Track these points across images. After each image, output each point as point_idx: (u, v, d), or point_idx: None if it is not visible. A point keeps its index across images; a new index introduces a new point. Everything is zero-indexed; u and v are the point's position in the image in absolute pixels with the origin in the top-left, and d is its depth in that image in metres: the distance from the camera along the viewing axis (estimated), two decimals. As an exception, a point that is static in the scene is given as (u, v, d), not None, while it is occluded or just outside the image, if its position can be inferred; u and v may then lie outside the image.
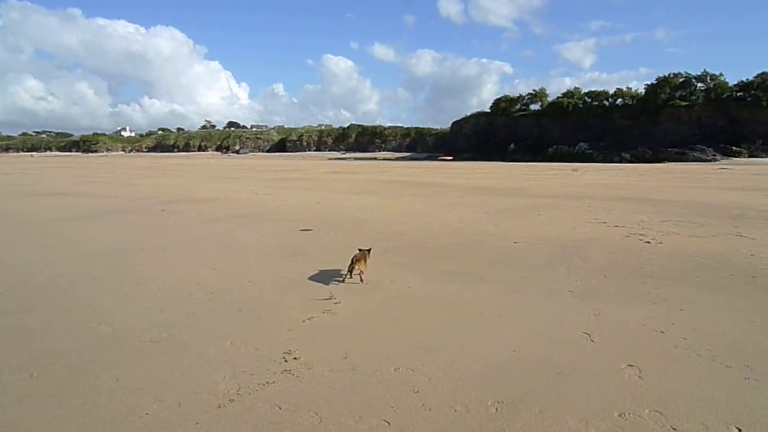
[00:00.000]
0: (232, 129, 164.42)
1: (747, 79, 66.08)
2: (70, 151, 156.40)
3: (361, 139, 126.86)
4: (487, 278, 7.10)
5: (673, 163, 53.91)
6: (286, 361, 4.40)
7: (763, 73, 64.92)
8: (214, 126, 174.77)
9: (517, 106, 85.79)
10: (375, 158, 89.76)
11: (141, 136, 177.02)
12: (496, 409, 3.60)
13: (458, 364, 4.33)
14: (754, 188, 21.05)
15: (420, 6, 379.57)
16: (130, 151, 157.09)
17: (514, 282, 6.91)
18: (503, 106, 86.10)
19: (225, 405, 3.68)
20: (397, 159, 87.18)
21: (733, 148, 59.02)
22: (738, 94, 65.71)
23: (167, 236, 10.55)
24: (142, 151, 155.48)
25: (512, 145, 77.11)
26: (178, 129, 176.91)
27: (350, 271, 6.96)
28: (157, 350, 4.69)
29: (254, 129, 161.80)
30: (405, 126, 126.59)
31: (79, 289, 6.67)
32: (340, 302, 6.01)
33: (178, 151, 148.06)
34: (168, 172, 41.24)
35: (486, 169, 44.30)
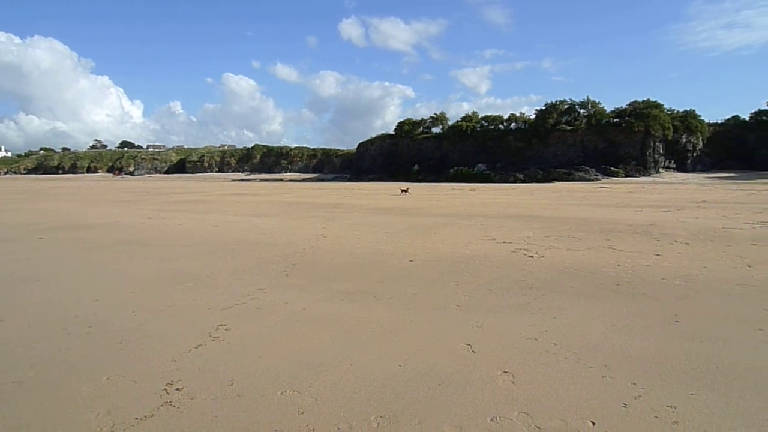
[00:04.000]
0: (126, 149, 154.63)
1: (621, 107, 73.37)
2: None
3: (267, 160, 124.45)
4: (381, 296, 7.28)
5: (561, 182, 58.29)
6: (167, 392, 4.25)
7: (635, 101, 72.53)
8: (105, 146, 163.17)
9: (420, 129, 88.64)
10: (281, 179, 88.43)
11: (19, 156, 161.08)
12: (378, 423, 3.72)
13: (345, 382, 4.42)
14: (625, 205, 23.33)
15: (321, 28, 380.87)
16: (6, 173, 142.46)
17: (407, 298, 7.15)
18: (407, 128, 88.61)
19: (96, 444, 3.48)
20: (303, 180, 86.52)
21: (612, 168, 64.92)
22: (614, 120, 72.50)
23: (44, 267, 9.72)
24: (21, 173, 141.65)
25: (416, 166, 79.51)
26: (64, 149, 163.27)
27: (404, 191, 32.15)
28: (21, 391, 4.33)
29: (150, 149, 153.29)
30: (311, 147, 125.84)
31: (-68, 329, 5.98)
32: (230, 329, 5.89)
33: (64, 172, 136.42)
34: (51, 196, 37.93)
35: (390, 189, 45.34)
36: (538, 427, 3.64)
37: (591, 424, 3.66)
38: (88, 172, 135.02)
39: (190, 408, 3.97)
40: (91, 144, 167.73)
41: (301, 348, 5.28)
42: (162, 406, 4.01)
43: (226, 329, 5.87)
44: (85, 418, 3.85)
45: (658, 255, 10.04)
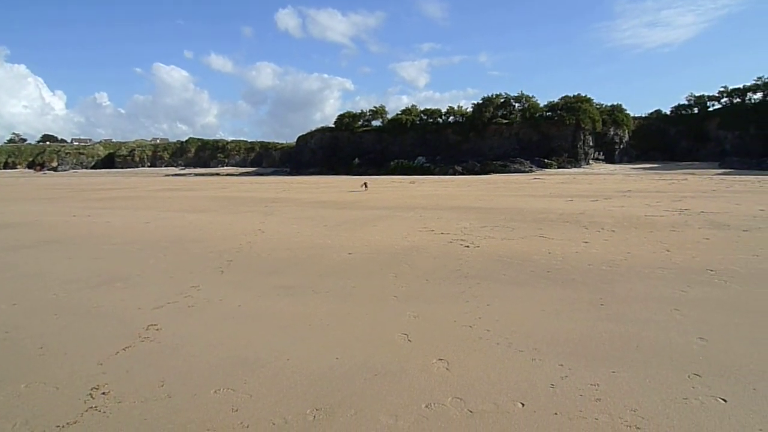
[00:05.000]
0: (48, 143, 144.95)
1: (554, 101, 76.32)
2: None
3: (202, 154, 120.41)
4: (320, 290, 7.24)
5: (497, 174, 59.95)
6: (92, 397, 4.05)
7: (566, 96, 75.73)
8: (24, 140, 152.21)
9: (360, 122, 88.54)
10: (218, 174, 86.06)
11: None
12: (314, 416, 3.71)
13: (281, 377, 4.37)
14: (557, 195, 24.34)
15: (257, 18, 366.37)
16: None
17: (345, 291, 7.15)
18: (347, 121, 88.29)
19: (11, 456, 3.27)
20: (241, 174, 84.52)
21: (546, 160, 67.52)
22: (547, 113, 75.38)
23: (-46, 270, 9.00)
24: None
25: (357, 160, 79.36)
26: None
27: (364, 185, 31.70)
28: (-74, 404, 3.99)
29: (75, 143, 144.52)
30: (249, 140, 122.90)
31: None
32: (161, 328, 5.68)
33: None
34: (-37, 195, 35.11)
35: (330, 182, 45.08)
36: (471, 411, 3.74)
37: (521, 406, 3.81)
38: (5, 168, 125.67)
39: (117, 412, 3.81)
40: (8, 138, 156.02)
41: (236, 345, 5.16)
42: (86, 411, 3.82)
43: (157, 329, 5.65)
44: (0, 429, 3.61)
45: (586, 242, 10.53)
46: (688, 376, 4.23)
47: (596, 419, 3.59)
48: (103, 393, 4.12)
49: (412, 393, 4.04)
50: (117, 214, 18.84)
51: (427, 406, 3.82)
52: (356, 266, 8.78)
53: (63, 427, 3.61)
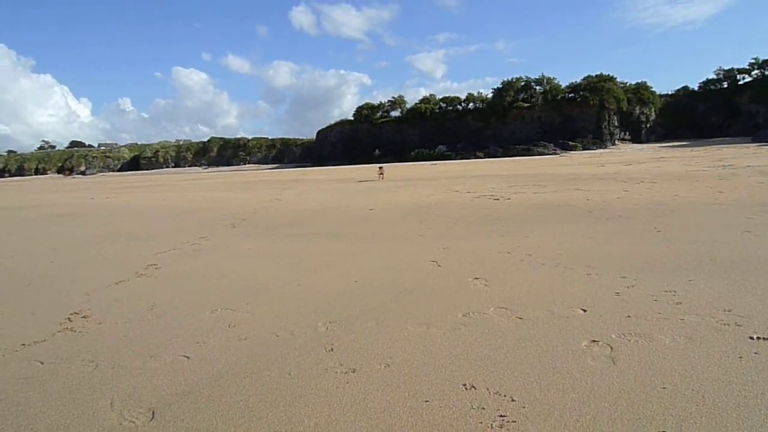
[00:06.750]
0: (76, 149, 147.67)
1: (575, 82, 74.22)
2: None
3: (224, 153, 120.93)
4: (337, 235, 6.60)
5: (520, 157, 58.52)
6: (70, 320, 3.48)
7: (588, 76, 73.57)
8: (53, 147, 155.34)
9: (379, 113, 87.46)
10: (240, 170, 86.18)
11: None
12: (327, 328, 3.05)
13: (289, 299, 3.72)
14: (586, 164, 23.24)
15: (271, 17, 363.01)
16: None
17: (365, 235, 6.49)
18: (365, 113, 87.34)
19: (-40, 373, 2.69)
20: (263, 170, 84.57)
21: (570, 142, 65.64)
22: (570, 95, 73.33)
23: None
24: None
25: (377, 151, 78.59)
26: (9, 152, 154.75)
27: (380, 175, 20.58)
28: None
29: (102, 148, 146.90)
30: (270, 137, 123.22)
31: None
32: (160, 267, 5.09)
33: (10, 175, 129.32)
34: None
35: (350, 170, 44.48)
36: (520, 318, 3.03)
37: (582, 311, 3.08)
38: (36, 174, 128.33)
39: (94, 332, 3.21)
40: (38, 146, 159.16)
41: (240, 278, 4.53)
42: (60, 332, 3.24)
43: (156, 268, 5.07)
44: (-43, 352, 3.04)
45: (626, 191, 9.68)
46: (785, 282, 3.44)
47: (682, 319, 2.85)
48: (84, 317, 3.53)
49: (445, 305, 3.35)
50: (135, 195, 18.49)
51: (464, 315, 3.13)
52: (378, 217, 8.10)
53: (28, 345, 3.03)
